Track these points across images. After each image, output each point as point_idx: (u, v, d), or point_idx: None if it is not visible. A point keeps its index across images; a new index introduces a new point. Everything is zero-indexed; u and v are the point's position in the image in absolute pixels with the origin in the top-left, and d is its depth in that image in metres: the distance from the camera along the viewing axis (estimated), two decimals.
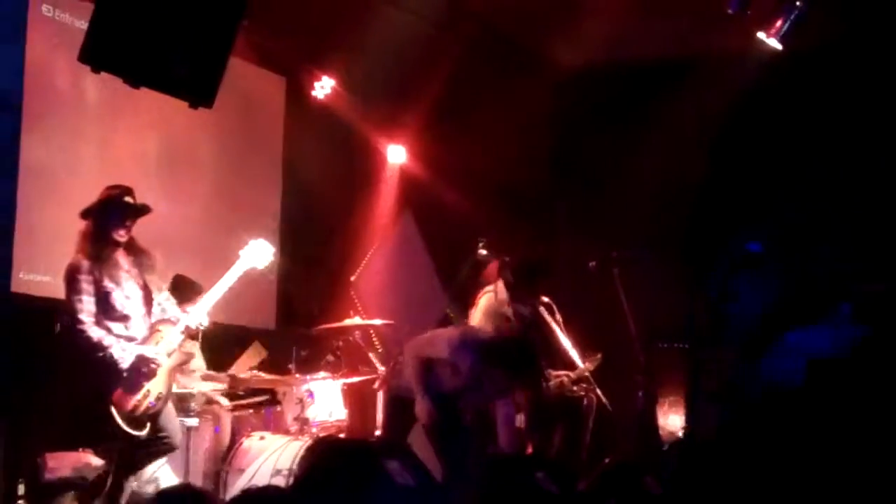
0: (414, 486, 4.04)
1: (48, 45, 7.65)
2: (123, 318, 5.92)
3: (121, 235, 5.97)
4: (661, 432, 8.86)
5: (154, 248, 8.26)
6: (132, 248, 6.09)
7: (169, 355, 5.96)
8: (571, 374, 7.66)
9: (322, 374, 7.84)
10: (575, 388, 7.86)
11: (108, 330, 5.85)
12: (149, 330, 5.98)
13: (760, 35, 7.74)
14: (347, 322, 7.76)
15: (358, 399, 8.16)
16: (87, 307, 5.83)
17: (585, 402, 7.78)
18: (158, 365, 5.88)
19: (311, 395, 7.63)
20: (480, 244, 6.78)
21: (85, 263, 5.89)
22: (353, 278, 8.05)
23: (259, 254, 6.36)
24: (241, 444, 7.09)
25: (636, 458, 7.16)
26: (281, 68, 9.40)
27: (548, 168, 10.02)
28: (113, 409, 5.83)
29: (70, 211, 7.76)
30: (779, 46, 7.75)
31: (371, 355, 7.95)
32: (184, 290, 7.01)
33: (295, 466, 6.72)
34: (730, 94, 8.97)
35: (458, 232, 6.68)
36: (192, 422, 6.84)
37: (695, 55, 9.08)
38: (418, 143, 9.89)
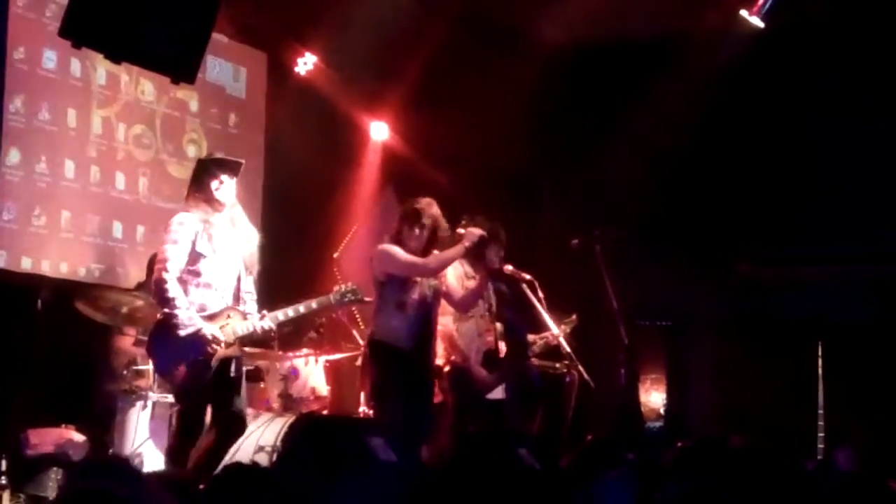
0: (397, 463, 4.05)
1: (28, 19, 7.61)
2: (204, 286, 5.88)
3: (218, 190, 5.93)
4: (642, 410, 8.92)
5: (136, 225, 8.33)
6: (237, 221, 6.07)
7: (226, 346, 5.92)
8: (549, 337, 7.68)
9: (305, 350, 7.84)
10: (557, 365, 7.89)
11: (186, 293, 5.80)
12: (220, 311, 5.92)
13: (743, 13, 7.76)
14: None
15: (341, 376, 8.18)
16: (176, 257, 5.80)
17: (567, 379, 7.81)
18: (215, 351, 5.84)
19: (294, 371, 7.63)
20: (463, 221, 6.77)
21: (191, 219, 5.88)
22: (335, 255, 8.03)
23: (350, 296, 6.40)
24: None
25: (618, 435, 7.19)
26: (263, 44, 9.35)
27: (531, 145, 10.02)
28: (150, 364, 6.05)
29: (52, 189, 7.77)
30: (761, 24, 7.77)
31: (354, 332, 7.95)
32: None
33: (278, 443, 6.72)
34: (713, 72, 8.99)
35: (441, 209, 6.67)
36: None
37: (678, 32, 9.08)
38: (401, 119, 9.88)
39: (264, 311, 6.09)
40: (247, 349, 7.64)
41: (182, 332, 5.74)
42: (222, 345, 5.85)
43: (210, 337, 5.79)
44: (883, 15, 8.89)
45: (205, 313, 5.87)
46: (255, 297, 6.14)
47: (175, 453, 5.96)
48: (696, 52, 8.93)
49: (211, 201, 5.94)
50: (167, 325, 5.81)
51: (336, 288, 6.42)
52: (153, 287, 5.94)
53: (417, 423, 6.32)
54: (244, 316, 5.98)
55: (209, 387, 5.92)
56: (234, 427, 6.07)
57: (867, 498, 3.72)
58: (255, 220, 8.24)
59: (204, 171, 6.03)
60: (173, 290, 5.77)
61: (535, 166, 10.34)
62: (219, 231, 5.94)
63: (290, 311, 6.12)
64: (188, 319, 5.77)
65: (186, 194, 6.09)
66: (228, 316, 5.93)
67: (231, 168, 6.05)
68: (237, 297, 6.02)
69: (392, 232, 6.55)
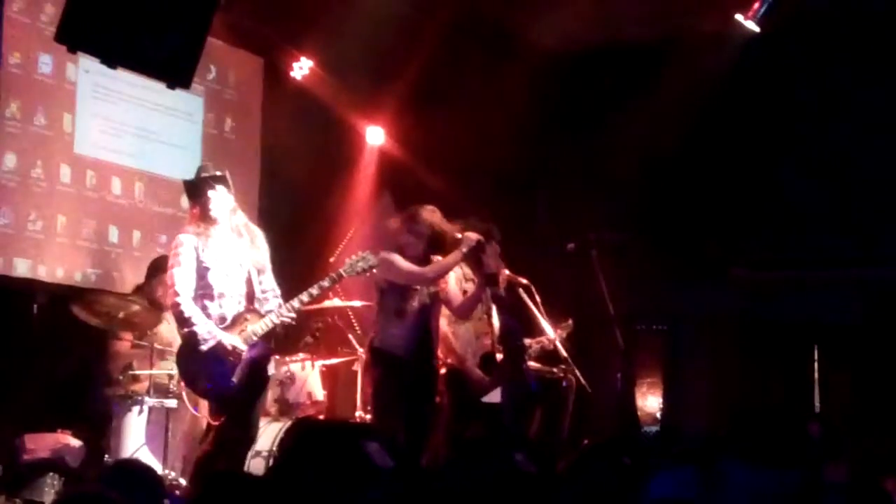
0: (393, 468, 4.04)
1: (23, 23, 7.61)
2: (219, 297, 5.96)
3: (210, 206, 5.99)
4: (638, 414, 8.92)
5: (132, 230, 8.32)
6: (239, 228, 6.12)
7: (251, 348, 5.96)
8: (545, 341, 7.68)
9: (301, 355, 7.84)
10: (554, 369, 7.89)
11: (204, 307, 5.90)
12: (235, 317, 5.99)
13: (738, 17, 7.78)
14: (327, 304, 7.76)
15: (337, 381, 8.18)
16: (184, 280, 5.89)
17: (564, 383, 7.82)
18: (240, 355, 5.91)
19: (290, 376, 7.63)
20: (459, 226, 6.77)
21: (189, 238, 5.96)
22: (331, 259, 8.03)
23: (362, 264, 6.36)
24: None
25: (615, 439, 7.19)
26: (259, 48, 9.35)
27: (528, 150, 10.02)
28: (182, 385, 6.13)
29: (47, 194, 7.77)
30: (756, 28, 7.79)
31: (350, 336, 7.95)
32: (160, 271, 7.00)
33: (274, 448, 6.73)
34: (709, 76, 9.00)
35: (439, 212, 6.67)
36: (171, 403, 6.83)
37: (674, 36, 9.10)
38: (397, 124, 9.87)
39: (280, 302, 6.14)
40: None
41: (204, 347, 5.86)
42: (244, 352, 5.91)
43: (230, 348, 5.89)
44: (877, 22, 8.91)
45: (226, 323, 5.96)
46: (277, 292, 6.19)
47: (204, 465, 5.97)
48: (692, 56, 8.93)
49: (206, 218, 6.02)
50: (190, 343, 5.92)
51: (347, 260, 6.40)
52: (171, 313, 6.08)
53: (417, 430, 6.33)
54: (261, 315, 6.04)
55: (241, 395, 5.97)
56: (249, 434, 6.15)
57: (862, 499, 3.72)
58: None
59: (194, 189, 6.11)
60: (188, 309, 5.88)
61: (531, 171, 10.35)
62: (217, 241, 6.02)
63: (304, 297, 6.15)
64: (207, 334, 5.88)
65: (189, 215, 6.19)
66: (245, 319, 6.01)
67: (218, 181, 6.08)
68: (251, 299, 6.06)
69: (392, 238, 6.59)
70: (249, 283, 6.06)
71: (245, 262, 6.07)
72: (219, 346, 5.87)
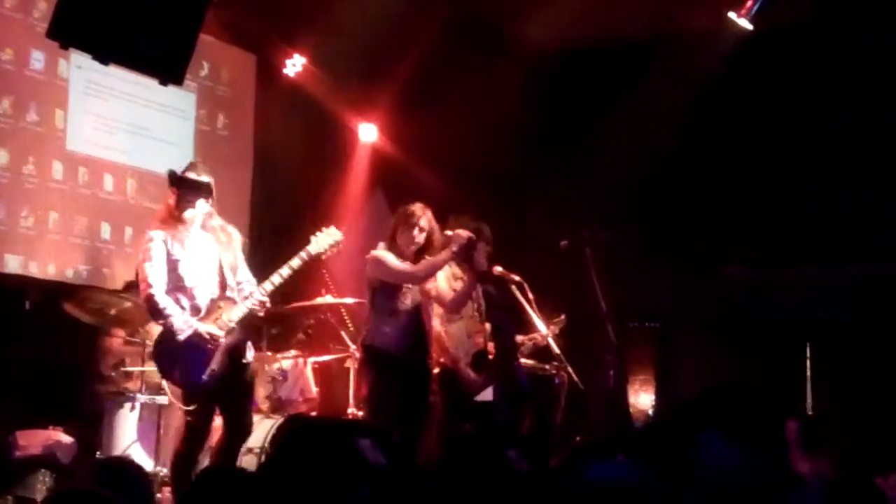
0: (386, 465, 4.04)
1: (15, 20, 7.60)
2: (191, 288, 5.96)
3: (183, 208, 5.97)
4: (631, 411, 8.92)
5: (124, 226, 8.31)
6: (210, 225, 6.10)
7: (227, 334, 5.96)
8: (538, 337, 7.68)
9: (293, 352, 7.84)
10: (546, 366, 7.90)
11: (177, 300, 5.90)
12: (209, 306, 5.99)
13: (731, 15, 7.77)
14: (319, 300, 7.76)
15: (330, 378, 8.18)
16: (156, 274, 5.88)
17: (557, 380, 7.82)
18: (218, 342, 5.91)
19: (282, 373, 7.63)
20: (451, 221, 6.77)
21: (157, 234, 5.95)
22: (323, 257, 8.03)
23: (327, 239, 6.34)
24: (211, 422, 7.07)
25: (607, 437, 7.20)
26: (251, 45, 9.34)
27: (520, 147, 10.02)
28: (164, 380, 6.12)
29: (39, 190, 7.76)
30: (749, 27, 7.78)
31: (342, 334, 7.94)
32: None
33: (267, 445, 6.73)
34: (702, 74, 9.00)
35: (430, 210, 6.67)
36: (163, 400, 6.83)
37: (667, 34, 9.10)
38: (390, 121, 9.86)
39: (254, 289, 6.13)
40: None
41: (181, 337, 5.85)
42: (221, 339, 5.91)
43: (207, 336, 5.89)
44: (871, 18, 8.91)
45: (200, 314, 5.95)
46: (253, 281, 6.18)
47: (181, 460, 5.97)
48: (685, 54, 8.94)
49: (176, 218, 6.00)
50: (166, 335, 5.91)
51: (312, 238, 6.33)
52: (145, 306, 6.04)
53: (411, 429, 6.33)
54: (235, 302, 6.04)
55: (219, 386, 5.95)
56: (241, 425, 6.13)
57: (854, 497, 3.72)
58: (244, 221, 8.26)
59: (177, 183, 6.04)
60: (162, 301, 5.87)
61: (523, 168, 10.35)
62: (185, 235, 6.00)
63: (275, 279, 6.12)
64: (184, 323, 5.87)
65: (163, 208, 6.12)
66: (219, 307, 6.01)
67: (200, 190, 6.03)
68: (224, 288, 6.06)
69: (386, 236, 6.58)
70: (221, 272, 6.06)
71: (215, 254, 6.06)
72: (195, 335, 5.86)
